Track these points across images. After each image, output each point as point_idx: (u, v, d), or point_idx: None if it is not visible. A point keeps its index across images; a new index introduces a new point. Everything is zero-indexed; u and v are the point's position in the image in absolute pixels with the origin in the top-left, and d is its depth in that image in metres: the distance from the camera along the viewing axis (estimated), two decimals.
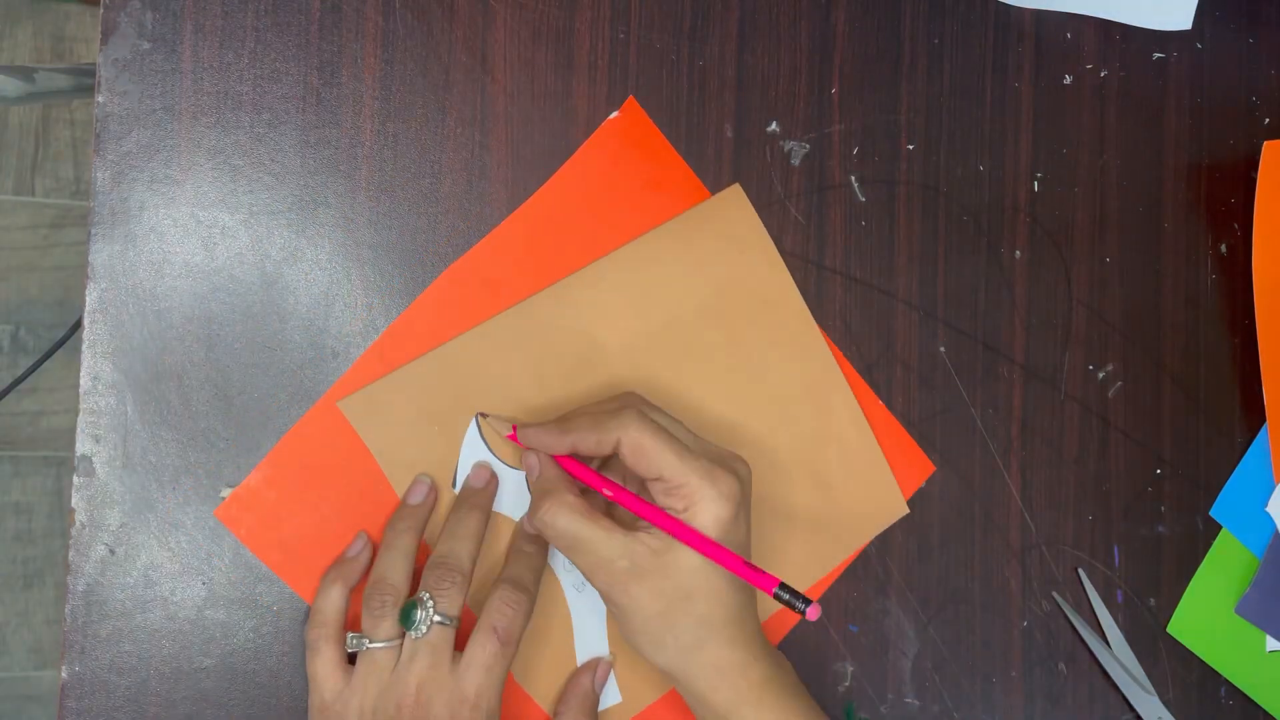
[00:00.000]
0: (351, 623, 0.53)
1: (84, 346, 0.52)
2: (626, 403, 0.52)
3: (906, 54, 0.62)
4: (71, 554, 0.52)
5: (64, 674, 0.52)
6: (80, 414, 0.52)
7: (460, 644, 0.51)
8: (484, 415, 0.55)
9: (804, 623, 0.60)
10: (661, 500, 0.50)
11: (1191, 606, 0.66)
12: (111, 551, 0.52)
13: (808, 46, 0.60)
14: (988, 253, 0.63)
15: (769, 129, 0.60)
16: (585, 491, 0.52)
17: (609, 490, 0.51)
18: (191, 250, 0.53)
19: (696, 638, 0.50)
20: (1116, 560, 0.65)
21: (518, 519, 0.56)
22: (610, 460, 0.54)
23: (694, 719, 0.53)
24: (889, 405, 0.61)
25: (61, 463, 1.29)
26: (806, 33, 0.60)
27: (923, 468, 0.62)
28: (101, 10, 0.52)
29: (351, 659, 0.52)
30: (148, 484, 0.52)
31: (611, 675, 0.57)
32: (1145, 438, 0.65)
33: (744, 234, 0.59)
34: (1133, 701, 0.64)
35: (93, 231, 0.52)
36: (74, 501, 0.52)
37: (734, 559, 0.49)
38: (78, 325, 0.53)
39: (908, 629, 0.61)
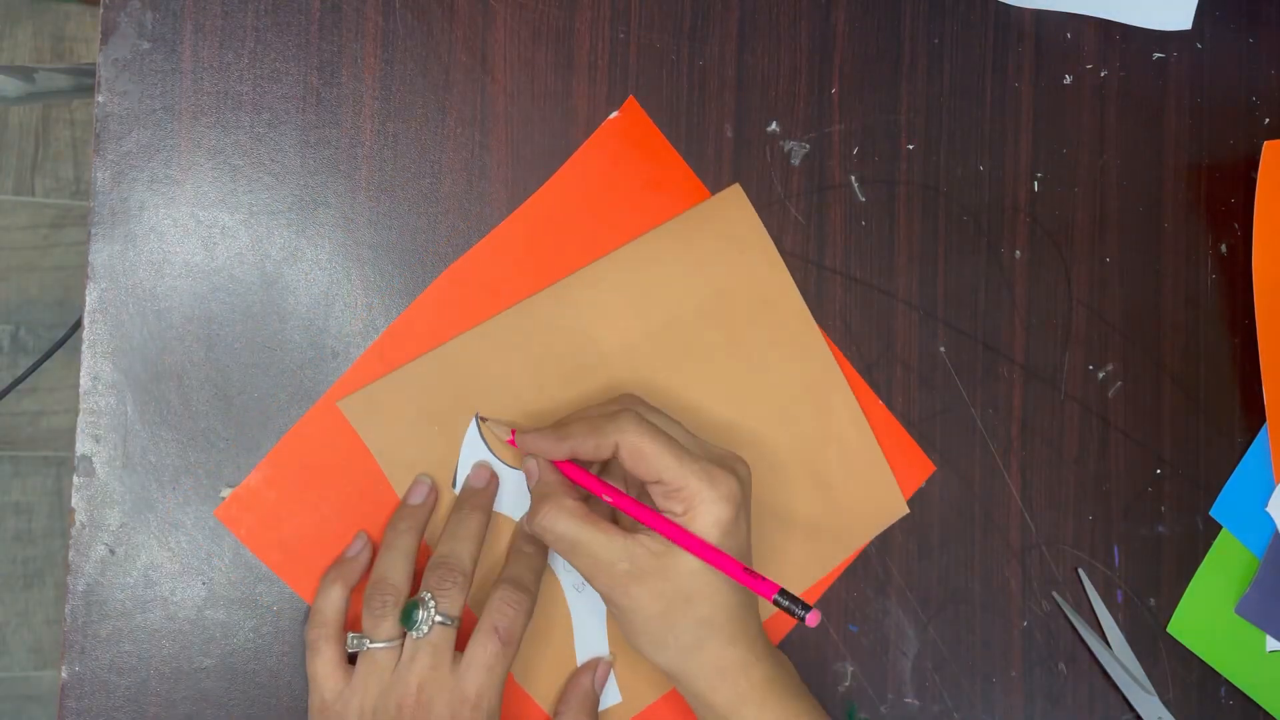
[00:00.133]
0: (351, 623, 0.53)
1: (84, 346, 0.52)
2: (624, 405, 0.52)
3: (906, 54, 0.62)
4: (71, 554, 0.52)
5: (64, 674, 0.52)
6: (80, 414, 0.52)
7: (461, 644, 0.51)
8: (484, 420, 0.55)
9: (804, 623, 0.60)
10: (661, 503, 0.50)
11: (1191, 606, 0.66)
12: (111, 551, 0.52)
13: (808, 46, 0.60)
14: (988, 253, 0.63)
15: (769, 129, 0.60)
16: (588, 498, 0.52)
17: (609, 495, 0.51)
18: (191, 250, 0.53)
19: (697, 638, 0.50)
20: (1116, 560, 0.65)
21: (518, 519, 0.56)
22: (611, 463, 0.54)
23: (694, 719, 0.53)
24: (889, 405, 0.61)
25: (61, 463, 1.29)
26: (806, 33, 0.60)
27: (923, 468, 0.62)
28: (101, 10, 0.52)
29: (352, 659, 0.52)
30: (148, 484, 0.52)
31: (611, 675, 0.57)
32: (1145, 438, 0.65)
33: (744, 234, 0.59)
34: (1133, 701, 0.64)
35: (93, 231, 0.52)
36: (74, 501, 0.52)
37: (734, 565, 0.49)
38: (78, 325, 0.53)
39: (908, 629, 0.61)
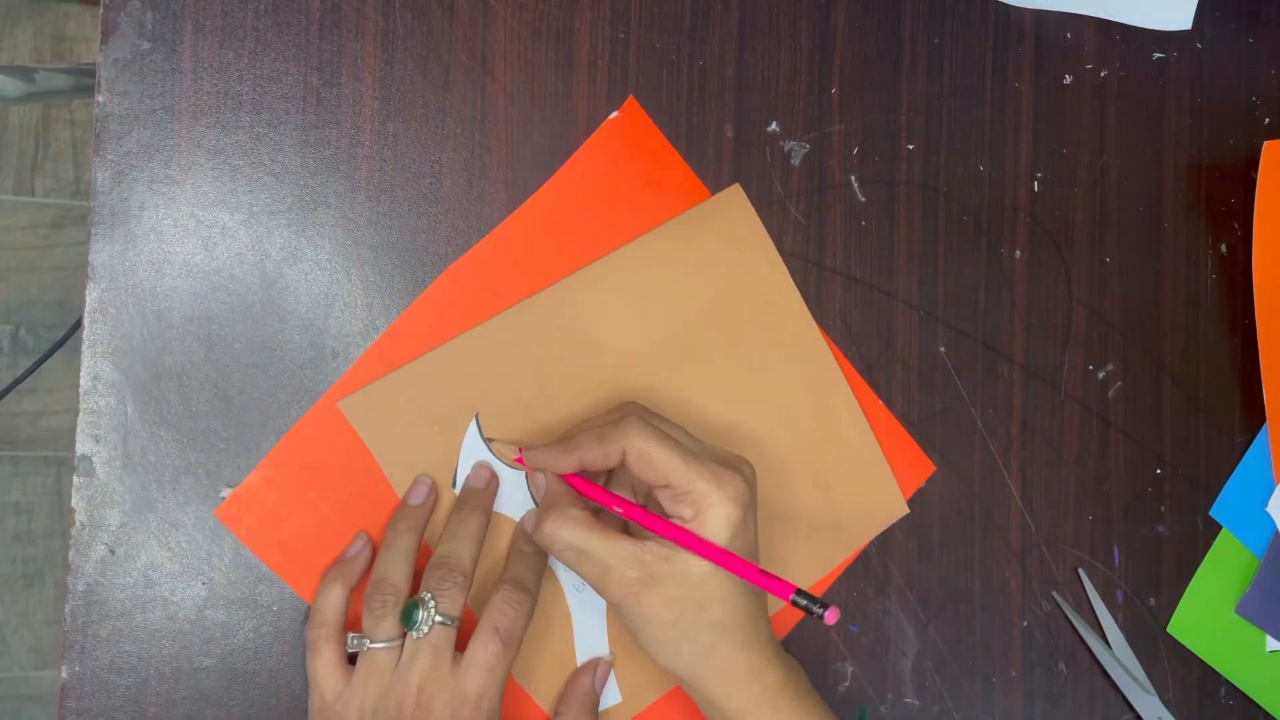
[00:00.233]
0: (351, 623, 0.53)
1: (84, 346, 0.52)
2: (628, 411, 0.52)
3: (906, 54, 0.62)
4: (71, 554, 0.52)
5: (64, 674, 0.52)
6: (80, 414, 0.52)
7: (461, 644, 0.51)
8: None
9: (804, 622, 0.60)
10: (669, 508, 0.50)
11: (1191, 606, 0.66)
12: (111, 551, 0.52)
13: (808, 46, 0.60)
14: (988, 253, 0.63)
15: (769, 129, 0.60)
16: (598, 511, 0.52)
17: (619, 506, 0.51)
18: (191, 250, 0.53)
19: (710, 643, 0.50)
20: (1116, 560, 0.65)
21: (518, 519, 0.56)
22: (617, 475, 0.54)
23: None
24: (889, 405, 0.61)
25: (61, 463, 1.29)
26: (806, 33, 0.60)
27: (923, 468, 0.62)
28: (101, 10, 0.52)
29: (352, 659, 0.52)
30: (148, 484, 0.52)
31: (611, 675, 0.57)
32: (1145, 438, 0.65)
33: (744, 234, 0.59)
34: (1133, 701, 0.64)
35: (93, 231, 0.52)
36: (74, 501, 0.52)
37: (749, 568, 0.49)
38: (78, 325, 0.53)
39: (908, 629, 0.61)
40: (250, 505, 0.53)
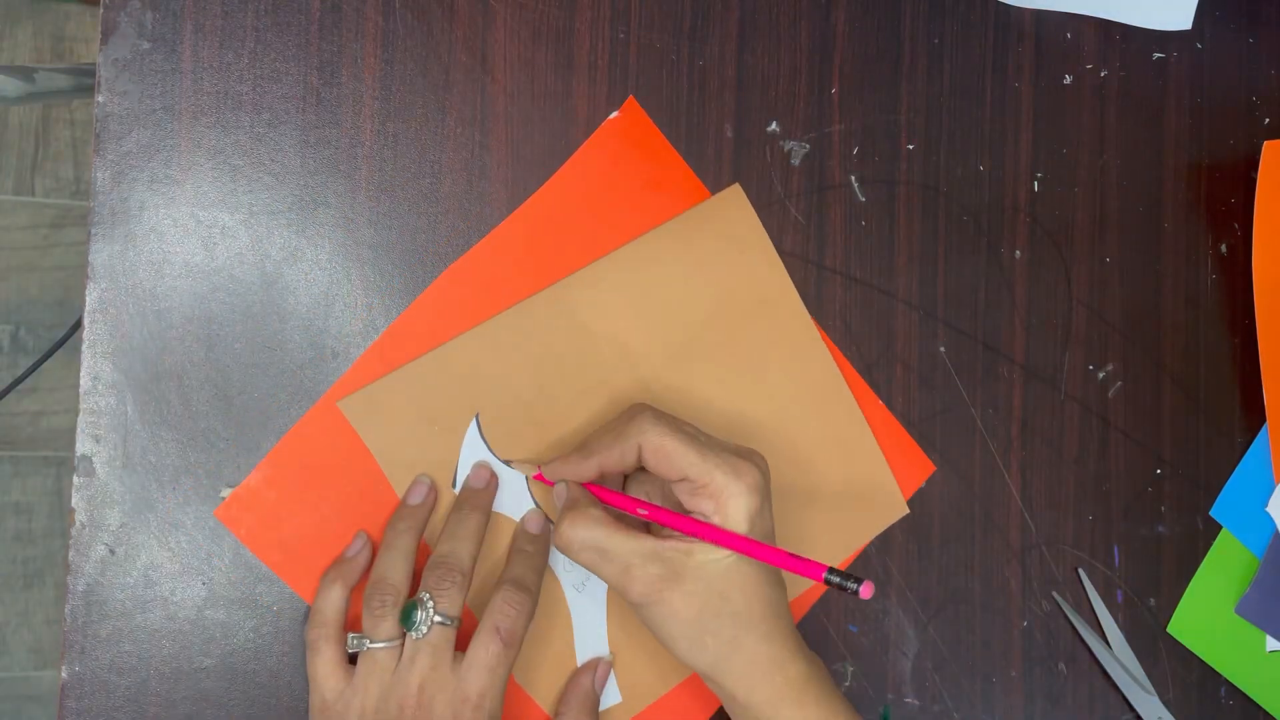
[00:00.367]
0: (351, 623, 0.53)
1: (84, 346, 0.52)
2: (639, 409, 0.52)
3: (906, 54, 0.62)
4: (71, 554, 0.52)
5: (64, 674, 0.52)
6: (80, 414, 0.52)
7: (461, 644, 0.51)
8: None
9: (804, 621, 0.60)
10: (688, 503, 0.50)
11: (1191, 606, 0.66)
12: (111, 551, 0.52)
13: (808, 46, 0.60)
14: (988, 253, 0.63)
15: (769, 129, 0.60)
16: (621, 517, 0.52)
17: (643, 509, 0.51)
18: (191, 250, 0.53)
19: (734, 635, 0.50)
20: (1116, 560, 0.65)
21: (518, 519, 0.56)
22: (631, 487, 0.55)
23: (693, 719, 0.53)
24: (889, 405, 0.61)
25: (61, 463, 1.29)
26: (806, 33, 0.60)
27: (923, 468, 0.62)
28: (101, 10, 0.52)
29: (352, 659, 0.52)
30: (148, 484, 0.52)
31: (611, 675, 0.57)
32: (1145, 438, 0.65)
33: (744, 234, 0.59)
34: (1133, 701, 0.64)
35: (93, 231, 0.52)
36: (74, 501, 0.52)
37: (778, 553, 0.48)
38: (78, 325, 0.53)
39: (908, 629, 0.61)
40: (250, 505, 0.53)
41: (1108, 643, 0.64)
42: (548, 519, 0.56)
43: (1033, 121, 0.64)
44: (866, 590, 0.46)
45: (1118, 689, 0.64)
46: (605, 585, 0.57)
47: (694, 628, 0.49)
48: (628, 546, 0.49)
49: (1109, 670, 0.64)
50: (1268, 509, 0.66)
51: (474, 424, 0.55)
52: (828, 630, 0.60)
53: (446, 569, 0.51)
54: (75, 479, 0.52)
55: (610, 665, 0.57)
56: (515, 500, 0.56)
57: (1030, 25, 0.64)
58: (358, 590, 0.53)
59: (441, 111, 0.55)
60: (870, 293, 0.61)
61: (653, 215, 0.58)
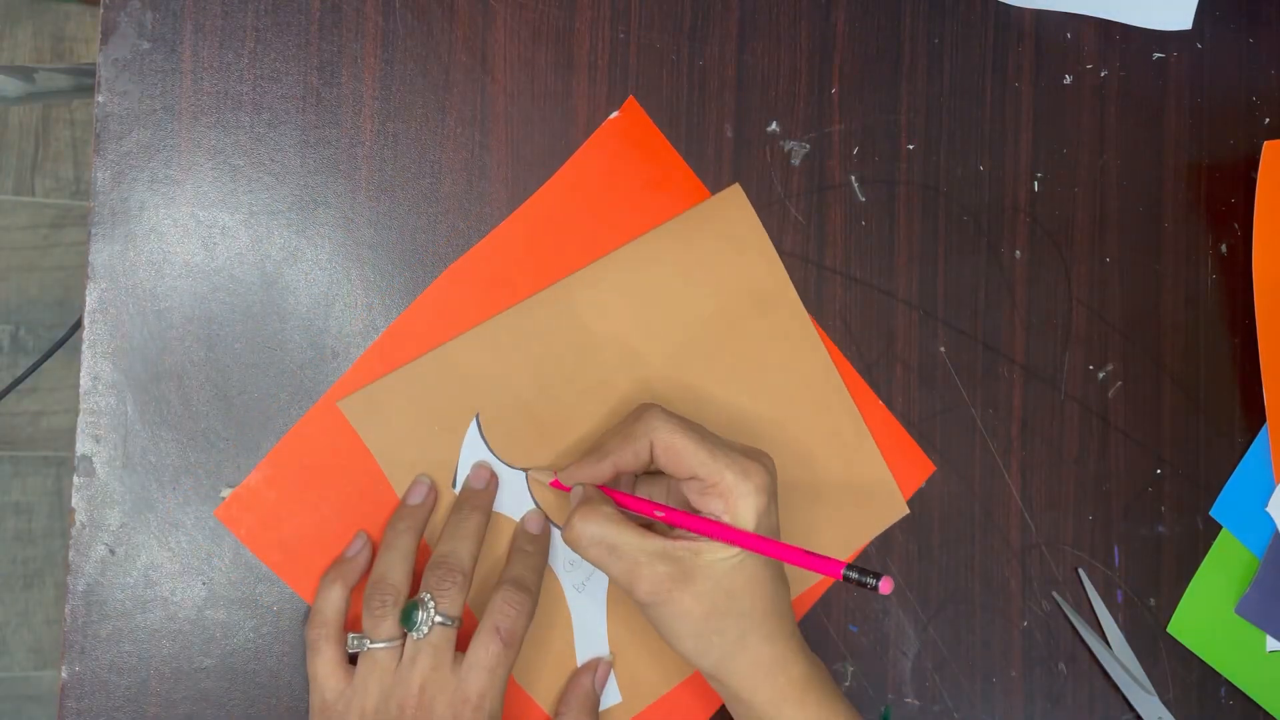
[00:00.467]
0: (352, 623, 0.53)
1: (84, 346, 0.52)
2: (647, 407, 0.52)
3: (906, 54, 0.62)
4: (71, 554, 0.52)
5: (64, 674, 0.52)
6: (80, 414, 0.52)
7: (461, 644, 0.51)
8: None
9: (805, 620, 0.60)
10: (697, 502, 0.50)
11: (1191, 606, 0.66)
12: (111, 551, 0.52)
13: (808, 46, 0.60)
14: (988, 253, 0.63)
15: (769, 129, 0.60)
16: (632, 518, 0.52)
17: (660, 511, 0.51)
18: (191, 250, 0.53)
19: (739, 634, 0.50)
20: (1116, 560, 0.65)
21: (518, 519, 0.56)
22: (642, 483, 0.55)
23: (693, 718, 0.53)
24: (889, 405, 0.61)
25: (61, 463, 1.29)
26: (806, 33, 0.60)
27: (923, 468, 0.62)
28: (101, 10, 0.52)
29: (353, 659, 0.52)
30: (148, 484, 0.52)
31: (611, 675, 0.57)
32: (1145, 438, 0.65)
33: (743, 234, 0.59)
34: (1133, 701, 0.64)
35: (93, 231, 0.52)
36: (74, 501, 0.52)
37: (799, 553, 0.48)
38: (78, 325, 0.53)
39: (908, 629, 0.61)
40: (250, 505, 0.53)
41: (1108, 643, 0.64)
42: (548, 519, 0.56)
43: (1033, 121, 0.64)
44: (886, 585, 0.46)
45: (1118, 689, 0.64)
46: (605, 585, 0.57)
47: (701, 626, 0.50)
48: (637, 544, 0.49)
49: (1109, 670, 0.64)
50: (1268, 509, 0.66)
51: (474, 424, 0.55)
52: (828, 630, 0.60)
53: (447, 569, 0.51)
54: (75, 479, 0.52)
55: (610, 665, 0.57)
56: (515, 500, 0.56)
57: (1030, 25, 0.64)
58: (358, 590, 0.53)
59: (441, 111, 0.55)
60: (870, 293, 0.61)
61: (653, 215, 0.58)
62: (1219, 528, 0.66)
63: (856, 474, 0.60)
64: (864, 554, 0.61)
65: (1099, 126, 0.65)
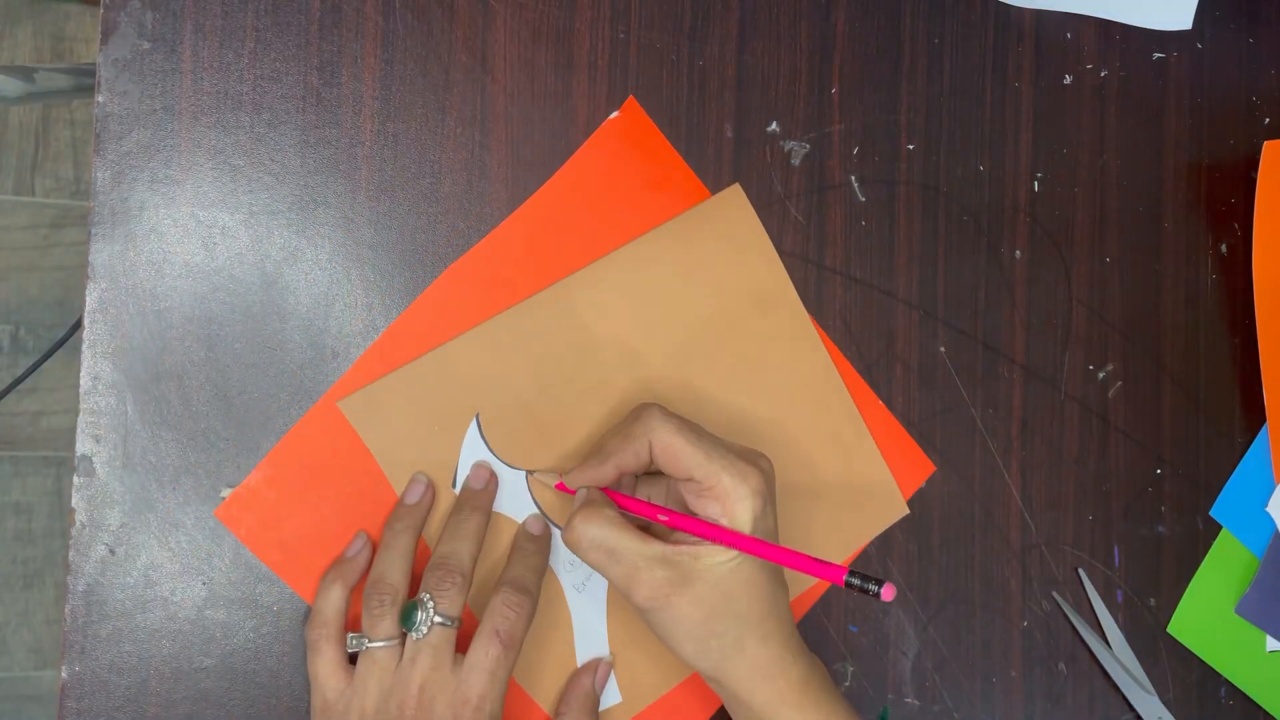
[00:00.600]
0: (352, 623, 0.53)
1: (84, 346, 0.52)
2: (646, 406, 0.52)
3: (906, 54, 0.62)
4: (71, 554, 0.52)
5: (64, 674, 0.52)
6: (80, 414, 0.52)
7: (461, 644, 0.51)
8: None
9: (804, 620, 0.60)
10: (694, 504, 0.51)
11: (1191, 606, 0.66)
12: (111, 551, 0.52)
13: (808, 46, 0.60)
14: (988, 253, 0.63)
15: (769, 129, 0.60)
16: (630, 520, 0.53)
17: (663, 515, 0.51)
18: (191, 250, 0.53)
19: (737, 637, 0.50)
20: (1116, 560, 0.65)
21: (518, 519, 0.56)
22: (639, 484, 0.55)
23: (693, 719, 0.53)
24: (889, 405, 0.61)
25: (61, 463, 1.29)
26: (806, 33, 0.60)
27: (923, 468, 0.62)
28: (101, 10, 0.52)
29: (353, 659, 0.52)
30: (148, 484, 0.52)
31: (611, 675, 0.57)
32: (1145, 438, 0.65)
33: (743, 234, 0.59)
34: (1133, 701, 0.64)
35: (93, 231, 0.52)
36: (74, 501, 0.52)
37: (801, 558, 0.49)
38: (78, 325, 0.53)
39: (908, 629, 0.61)
40: (250, 505, 0.53)
41: (1108, 643, 0.64)
42: (548, 521, 0.56)
43: (1033, 121, 0.64)
44: (888, 592, 0.47)
45: (1118, 689, 0.64)
46: (605, 585, 0.57)
47: (700, 630, 0.50)
48: (636, 549, 0.49)
49: (1109, 670, 0.64)
50: (1268, 509, 0.66)
51: (474, 424, 0.55)
52: (828, 630, 0.60)
53: (447, 570, 0.51)
54: (75, 479, 0.52)
55: (610, 665, 0.57)
56: (515, 501, 0.56)
57: (1030, 25, 0.64)
58: (358, 590, 0.53)
59: (441, 111, 0.55)
60: (870, 293, 0.61)
61: (653, 215, 0.58)
62: (1219, 528, 0.66)
63: (856, 474, 0.60)
64: (864, 554, 0.61)
65: (1099, 126, 0.65)
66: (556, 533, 0.56)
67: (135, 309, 0.52)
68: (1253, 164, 0.66)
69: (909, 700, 0.62)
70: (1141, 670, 0.65)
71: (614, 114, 0.57)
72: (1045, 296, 0.64)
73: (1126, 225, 0.65)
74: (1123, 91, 0.65)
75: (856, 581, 0.48)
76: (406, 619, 0.50)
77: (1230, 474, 0.67)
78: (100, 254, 0.52)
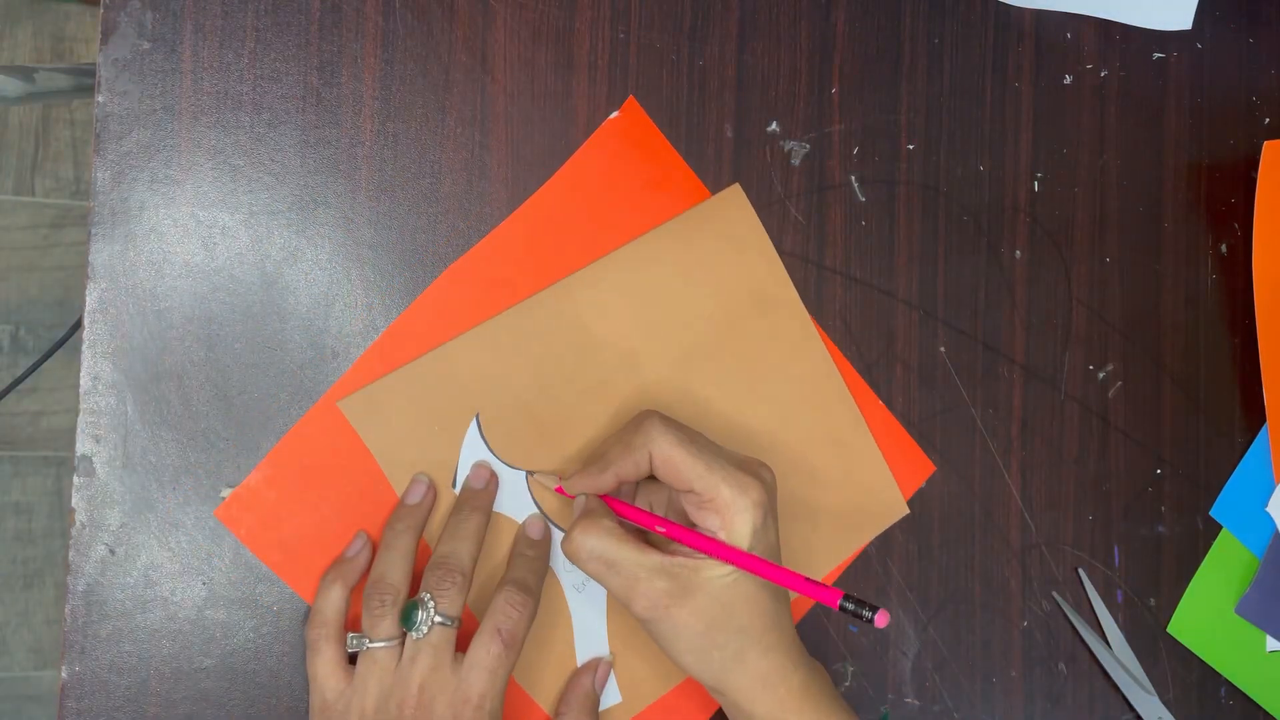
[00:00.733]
0: (352, 623, 0.53)
1: (84, 346, 0.52)
2: (647, 415, 0.52)
3: (906, 54, 0.62)
4: (71, 554, 0.52)
5: (64, 674, 0.52)
6: (80, 414, 0.52)
7: (461, 645, 0.51)
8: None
9: (804, 621, 0.60)
10: (694, 515, 0.51)
11: (1191, 606, 0.66)
12: (111, 551, 0.52)
13: (808, 46, 0.60)
14: (988, 253, 0.63)
15: (769, 129, 0.60)
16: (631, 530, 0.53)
17: (661, 526, 0.51)
18: (191, 250, 0.53)
19: (738, 648, 0.50)
20: (1116, 560, 0.65)
21: (518, 519, 0.56)
22: (640, 490, 0.55)
23: (693, 719, 0.53)
24: (889, 405, 0.61)
25: (61, 463, 1.29)
26: (806, 33, 0.60)
27: (923, 468, 0.62)
28: (101, 10, 0.52)
29: (353, 659, 0.52)
30: (148, 484, 0.52)
31: (611, 675, 0.57)
32: (1145, 438, 0.65)
33: (743, 234, 0.59)
34: (1133, 701, 0.64)
35: (93, 231, 0.52)
36: (74, 501, 0.52)
37: (797, 579, 0.49)
38: (78, 325, 0.53)
39: (908, 629, 0.61)
40: (250, 505, 0.53)
41: (1108, 643, 0.64)
42: (549, 522, 0.56)
43: (1033, 121, 0.64)
44: (882, 619, 0.47)
45: (1118, 689, 0.64)
46: None
47: (700, 641, 0.50)
48: (636, 559, 0.49)
49: (1109, 670, 0.64)
50: (1268, 509, 0.66)
51: (474, 424, 0.55)
52: (828, 630, 0.60)
53: (447, 570, 0.51)
54: (75, 479, 0.52)
55: (610, 665, 0.57)
56: (515, 501, 0.56)
57: (1030, 25, 0.64)
58: (358, 590, 0.53)
59: (441, 111, 0.55)
60: (870, 293, 0.61)
61: (653, 215, 0.58)
62: (1219, 528, 0.66)
63: (857, 474, 0.60)
64: (864, 554, 0.61)
65: (1099, 126, 0.65)
66: (557, 533, 0.56)
67: (135, 309, 0.52)
68: (1253, 164, 0.66)
69: (909, 700, 0.62)
70: (1141, 670, 0.65)
71: (614, 114, 0.57)
72: (1045, 296, 0.64)
73: (1126, 225, 0.65)
74: (1123, 91, 0.65)
75: (851, 607, 0.48)
76: (407, 619, 0.50)
77: (1230, 474, 0.67)
78: (100, 254, 0.52)
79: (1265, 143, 0.65)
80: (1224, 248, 0.67)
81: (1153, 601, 0.65)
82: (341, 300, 0.54)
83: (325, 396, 0.54)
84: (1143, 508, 0.65)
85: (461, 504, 0.54)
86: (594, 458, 0.53)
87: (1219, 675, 0.66)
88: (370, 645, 0.50)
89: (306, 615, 0.53)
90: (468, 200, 0.56)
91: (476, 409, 0.55)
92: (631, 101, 0.58)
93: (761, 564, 0.49)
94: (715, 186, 0.59)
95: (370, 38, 0.55)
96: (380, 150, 0.55)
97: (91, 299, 0.52)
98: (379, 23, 0.55)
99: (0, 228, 1.28)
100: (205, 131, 0.53)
